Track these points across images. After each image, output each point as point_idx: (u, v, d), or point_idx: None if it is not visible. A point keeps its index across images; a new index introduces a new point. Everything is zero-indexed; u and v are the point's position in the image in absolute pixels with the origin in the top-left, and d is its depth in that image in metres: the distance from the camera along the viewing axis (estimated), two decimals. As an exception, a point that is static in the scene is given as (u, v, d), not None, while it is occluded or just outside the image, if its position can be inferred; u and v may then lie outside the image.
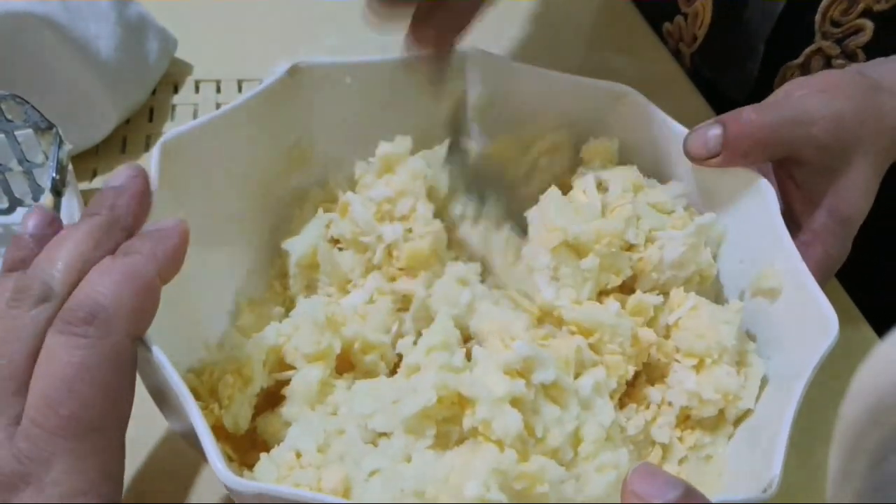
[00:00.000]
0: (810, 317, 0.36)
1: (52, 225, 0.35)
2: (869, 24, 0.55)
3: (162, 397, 0.34)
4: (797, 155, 0.41)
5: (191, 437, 0.31)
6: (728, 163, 0.41)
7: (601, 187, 0.44)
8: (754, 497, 0.31)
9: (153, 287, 0.31)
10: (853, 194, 0.41)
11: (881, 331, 0.50)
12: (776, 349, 0.38)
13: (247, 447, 0.37)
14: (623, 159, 0.47)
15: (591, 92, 0.46)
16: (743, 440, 0.38)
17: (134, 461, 0.40)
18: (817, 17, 0.56)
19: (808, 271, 0.37)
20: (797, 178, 0.42)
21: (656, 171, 0.46)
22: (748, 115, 0.41)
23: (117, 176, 0.35)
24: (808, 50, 0.58)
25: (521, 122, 0.48)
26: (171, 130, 0.38)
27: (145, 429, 0.39)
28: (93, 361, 0.28)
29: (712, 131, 0.41)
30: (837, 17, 0.56)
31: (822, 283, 0.41)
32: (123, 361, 0.29)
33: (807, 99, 0.41)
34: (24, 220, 0.35)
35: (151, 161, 0.37)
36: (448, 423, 0.34)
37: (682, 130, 0.43)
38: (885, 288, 0.54)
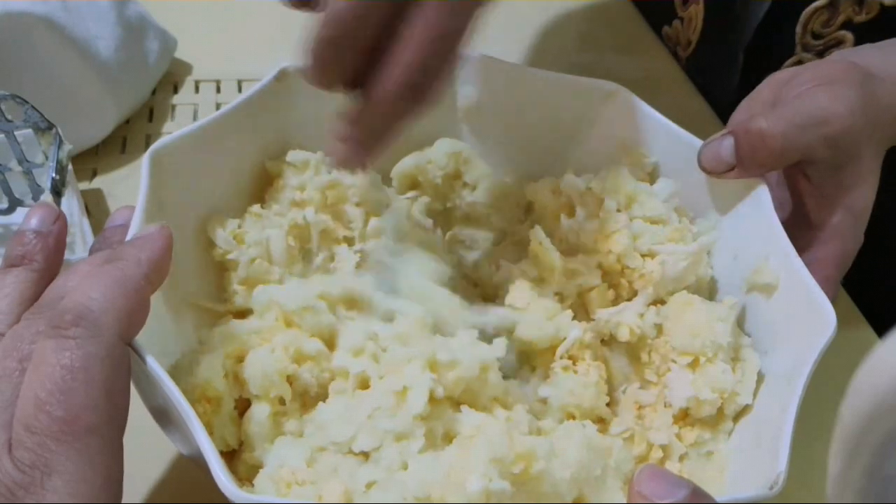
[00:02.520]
0: (808, 311, 0.36)
1: (57, 221, 0.35)
2: (849, 36, 0.55)
3: (161, 412, 0.34)
4: (810, 156, 0.41)
5: (192, 451, 0.30)
6: (745, 175, 0.41)
7: (591, 194, 0.43)
8: (761, 494, 0.31)
9: (141, 290, 0.30)
10: (863, 187, 0.41)
11: (881, 331, 0.50)
12: (775, 345, 0.38)
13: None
14: (613, 158, 0.47)
15: (581, 90, 0.46)
16: (745, 437, 0.38)
17: (136, 476, 0.39)
18: (798, 29, 0.56)
19: (803, 266, 0.37)
20: (810, 175, 0.42)
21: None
22: (759, 125, 0.40)
23: (120, 216, 0.36)
24: (788, 62, 0.58)
25: (510, 122, 0.48)
26: (160, 139, 0.38)
27: (145, 444, 0.38)
28: (83, 363, 0.27)
29: (724, 144, 0.41)
30: (818, 30, 0.55)
31: (840, 276, 0.42)
32: (115, 363, 0.29)
33: (815, 96, 0.41)
34: (27, 215, 0.35)
35: (141, 170, 0.37)
36: (431, 420, 0.34)
37: (674, 127, 0.43)
38: (885, 288, 0.54)
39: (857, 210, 0.41)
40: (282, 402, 0.37)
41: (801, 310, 0.36)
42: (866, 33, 0.54)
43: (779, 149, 0.40)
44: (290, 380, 0.37)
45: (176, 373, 0.34)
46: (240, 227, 0.42)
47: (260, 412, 0.36)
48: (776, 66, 0.58)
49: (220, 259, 0.41)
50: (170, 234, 0.33)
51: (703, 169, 0.42)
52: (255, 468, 0.35)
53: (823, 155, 0.41)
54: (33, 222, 0.34)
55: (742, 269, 0.41)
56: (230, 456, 0.36)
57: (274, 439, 0.36)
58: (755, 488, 0.31)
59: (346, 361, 0.37)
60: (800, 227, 0.42)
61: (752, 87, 0.60)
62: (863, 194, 0.41)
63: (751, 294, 0.41)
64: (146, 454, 0.40)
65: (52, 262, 0.34)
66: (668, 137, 0.44)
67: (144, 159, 0.37)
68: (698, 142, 0.43)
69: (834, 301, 0.41)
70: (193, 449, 0.30)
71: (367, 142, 0.35)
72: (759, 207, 0.40)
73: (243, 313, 0.41)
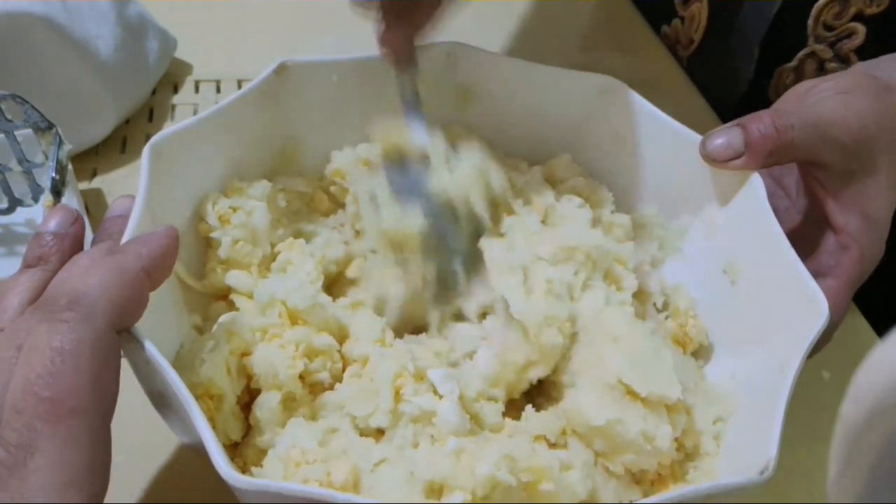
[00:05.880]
0: (800, 301, 0.36)
1: (75, 224, 0.35)
2: (861, 28, 0.55)
3: (161, 400, 0.34)
4: (819, 158, 0.41)
5: (191, 439, 0.31)
6: (752, 164, 0.41)
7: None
8: (752, 479, 0.31)
9: (138, 281, 0.31)
10: (880, 196, 0.41)
11: (881, 331, 0.50)
12: (768, 334, 0.39)
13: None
14: (608, 150, 0.47)
15: (578, 84, 0.46)
16: (742, 427, 0.38)
17: (135, 466, 0.40)
18: (810, 21, 0.57)
19: (796, 256, 0.37)
20: (822, 180, 0.42)
21: (643, 164, 0.46)
22: (767, 118, 0.41)
23: (118, 206, 0.36)
24: (801, 53, 0.59)
25: (507, 116, 0.48)
26: (160, 132, 0.39)
27: (147, 435, 0.39)
28: (74, 346, 0.28)
29: (733, 131, 0.41)
30: (830, 21, 0.56)
31: (859, 282, 0.42)
32: (105, 349, 0.29)
33: (825, 102, 0.41)
34: (46, 217, 0.35)
35: (141, 162, 0.37)
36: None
37: (669, 120, 0.44)
38: (885, 288, 0.54)
39: (874, 217, 0.41)
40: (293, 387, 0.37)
41: (793, 300, 0.37)
42: (878, 25, 0.55)
43: (786, 141, 0.40)
44: (303, 375, 0.37)
45: (178, 366, 0.34)
46: (232, 208, 0.42)
47: (270, 399, 0.36)
48: (789, 59, 0.60)
49: (205, 235, 0.42)
50: (175, 234, 0.33)
51: (708, 156, 0.41)
52: (265, 452, 0.35)
53: (833, 158, 0.41)
54: (52, 224, 0.35)
55: (737, 260, 0.42)
56: (235, 446, 0.37)
57: (284, 423, 0.36)
58: (747, 474, 0.31)
59: (368, 349, 0.38)
60: (819, 232, 0.42)
61: (766, 80, 0.62)
62: (879, 203, 0.41)
63: (745, 285, 0.41)
64: (148, 445, 0.40)
65: (66, 262, 0.35)
66: (663, 131, 0.44)
67: (145, 152, 0.37)
68: (694, 135, 0.43)
69: (848, 305, 0.42)
70: (193, 436, 0.30)
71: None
72: (754, 200, 0.40)
73: (222, 294, 0.42)
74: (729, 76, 0.64)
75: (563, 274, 0.41)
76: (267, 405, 0.36)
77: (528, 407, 0.39)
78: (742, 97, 0.64)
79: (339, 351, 0.39)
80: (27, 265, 0.34)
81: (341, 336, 0.40)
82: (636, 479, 0.37)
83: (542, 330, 0.38)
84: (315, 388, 0.38)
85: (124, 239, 0.34)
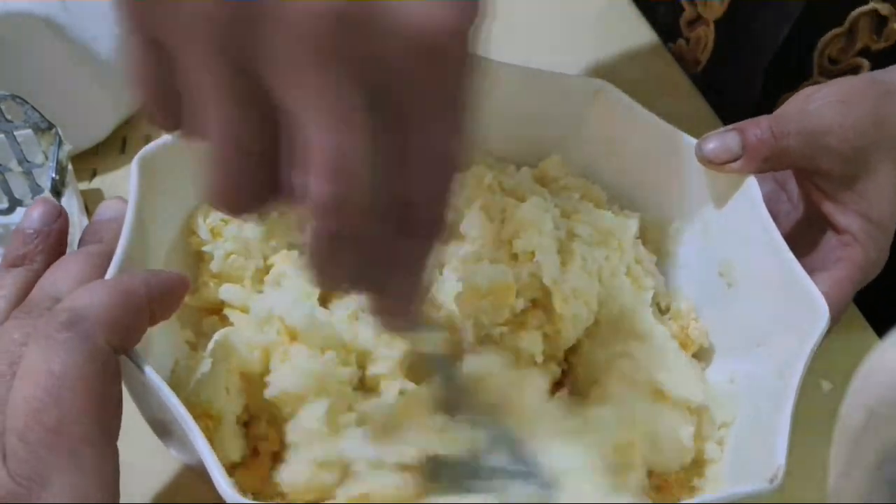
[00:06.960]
0: (800, 304, 0.36)
1: (59, 220, 0.35)
2: (866, 63, 0.55)
3: (159, 423, 0.34)
4: (815, 165, 0.41)
5: (191, 458, 0.30)
6: (748, 167, 0.40)
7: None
8: (761, 488, 0.31)
9: (141, 307, 0.30)
10: (882, 200, 0.42)
11: (881, 331, 0.50)
12: (767, 337, 0.38)
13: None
14: (601, 155, 0.47)
15: (567, 87, 0.46)
16: (743, 432, 0.38)
17: (140, 481, 0.40)
18: (815, 55, 0.56)
19: (794, 258, 0.37)
20: (821, 185, 0.42)
21: (636, 167, 0.46)
22: (765, 123, 0.41)
23: (107, 209, 0.36)
24: (806, 84, 0.58)
25: (497, 120, 0.47)
26: (148, 144, 0.38)
27: (151, 450, 0.38)
28: (74, 370, 0.27)
29: (731, 136, 0.41)
30: (835, 55, 0.56)
31: (861, 284, 0.42)
32: (106, 369, 0.28)
33: (823, 110, 0.41)
34: (28, 211, 0.35)
35: (130, 176, 0.36)
36: None
37: (661, 122, 0.43)
38: (885, 288, 0.54)
39: (876, 220, 0.42)
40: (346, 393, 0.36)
41: (793, 303, 0.36)
42: (883, 60, 0.54)
43: (785, 146, 0.40)
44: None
45: (174, 385, 0.33)
46: (223, 221, 0.42)
47: (317, 408, 0.35)
48: (795, 88, 0.59)
49: (197, 249, 0.41)
50: (188, 282, 0.33)
51: (704, 158, 0.41)
52: (267, 475, 0.35)
53: (829, 165, 0.41)
54: (35, 219, 0.34)
55: (734, 266, 0.41)
56: (234, 466, 0.36)
57: (337, 432, 0.35)
58: (756, 482, 0.31)
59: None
60: (822, 235, 0.42)
61: (772, 106, 0.61)
62: (882, 206, 0.42)
63: (744, 290, 0.41)
64: (152, 459, 0.39)
65: (51, 261, 0.34)
66: (654, 133, 0.44)
67: (133, 165, 0.37)
68: (687, 138, 0.43)
69: (849, 302, 0.42)
70: (193, 456, 0.30)
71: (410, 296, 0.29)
72: (750, 204, 0.40)
73: (214, 308, 0.41)
74: (734, 99, 0.64)
75: (598, 256, 0.40)
76: (315, 414, 0.34)
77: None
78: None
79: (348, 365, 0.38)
80: (11, 264, 0.33)
81: (346, 351, 0.39)
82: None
83: (568, 301, 0.38)
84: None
85: (116, 256, 0.33)
